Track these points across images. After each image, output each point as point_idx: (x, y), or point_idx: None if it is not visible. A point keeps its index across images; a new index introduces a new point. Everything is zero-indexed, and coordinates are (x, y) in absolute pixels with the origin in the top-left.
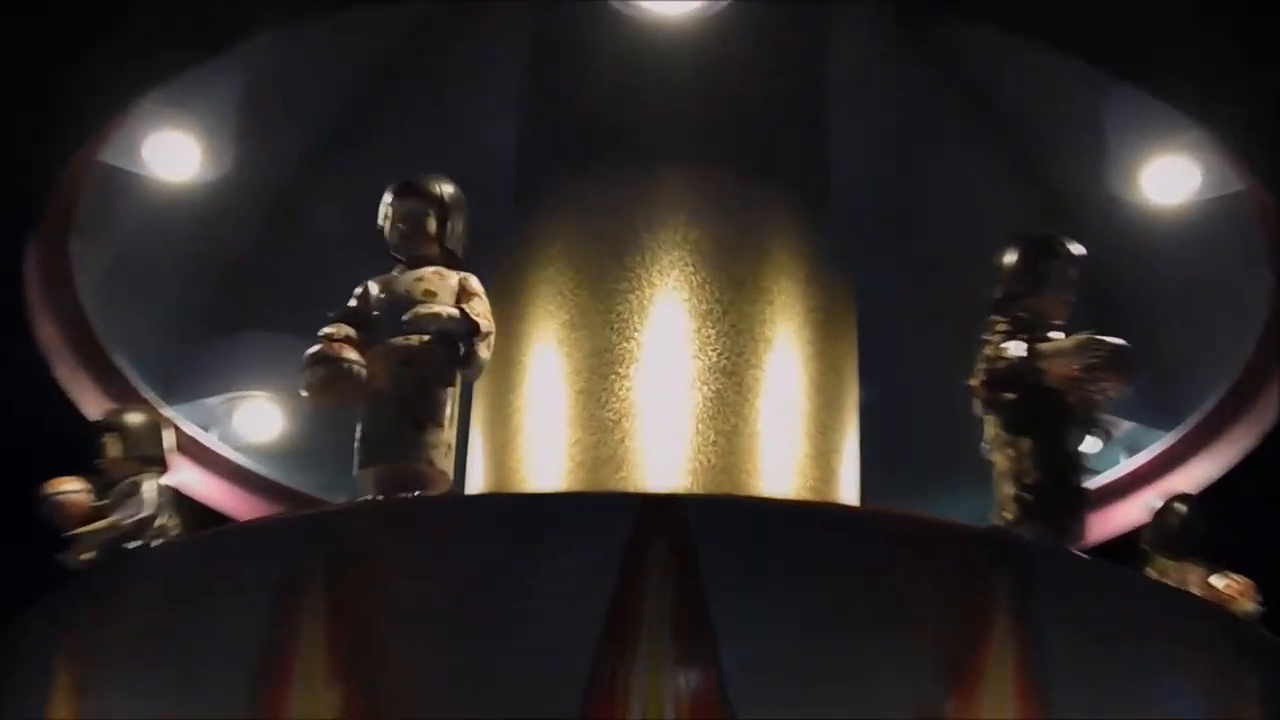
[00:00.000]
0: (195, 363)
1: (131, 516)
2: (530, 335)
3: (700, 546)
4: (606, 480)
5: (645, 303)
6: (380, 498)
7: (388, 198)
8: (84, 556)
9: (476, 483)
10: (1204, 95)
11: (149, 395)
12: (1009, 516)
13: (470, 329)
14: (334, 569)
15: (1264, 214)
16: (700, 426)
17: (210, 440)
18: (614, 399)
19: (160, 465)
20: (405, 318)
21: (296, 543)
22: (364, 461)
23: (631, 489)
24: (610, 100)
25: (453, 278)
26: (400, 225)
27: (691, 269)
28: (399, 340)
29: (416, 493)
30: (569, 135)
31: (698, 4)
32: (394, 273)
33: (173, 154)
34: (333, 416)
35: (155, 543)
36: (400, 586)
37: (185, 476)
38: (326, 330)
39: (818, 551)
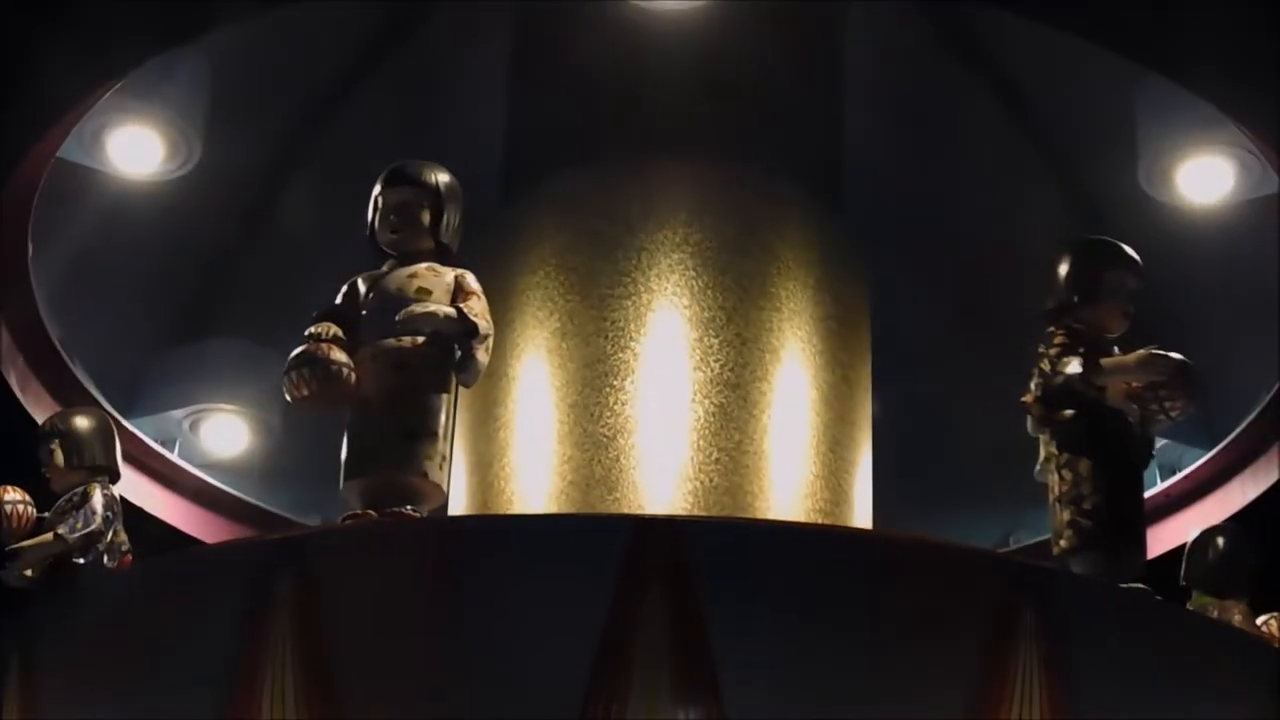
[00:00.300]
0: (157, 372)
1: (80, 530)
2: (518, 344)
3: (700, 573)
4: (599, 501)
5: (642, 310)
6: (366, 512)
7: (377, 187)
8: (26, 572)
9: (459, 503)
10: (1242, 92)
11: (107, 406)
12: (1066, 544)
13: (468, 330)
14: (304, 595)
15: None
16: (701, 444)
17: (173, 456)
18: (608, 414)
19: (110, 474)
20: (399, 318)
21: (265, 567)
22: (352, 473)
23: (626, 511)
24: (605, 93)
25: (448, 274)
26: (392, 217)
27: (692, 273)
28: (390, 342)
29: (409, 508)
30: (560, 130)
31: None
32: (383, 269)
33: (135, 149)
34: (304, 432)
35: (105, 559)
36: (373, 616)
37: (146, 495)
38: (313, 330)
39: (827, 579)
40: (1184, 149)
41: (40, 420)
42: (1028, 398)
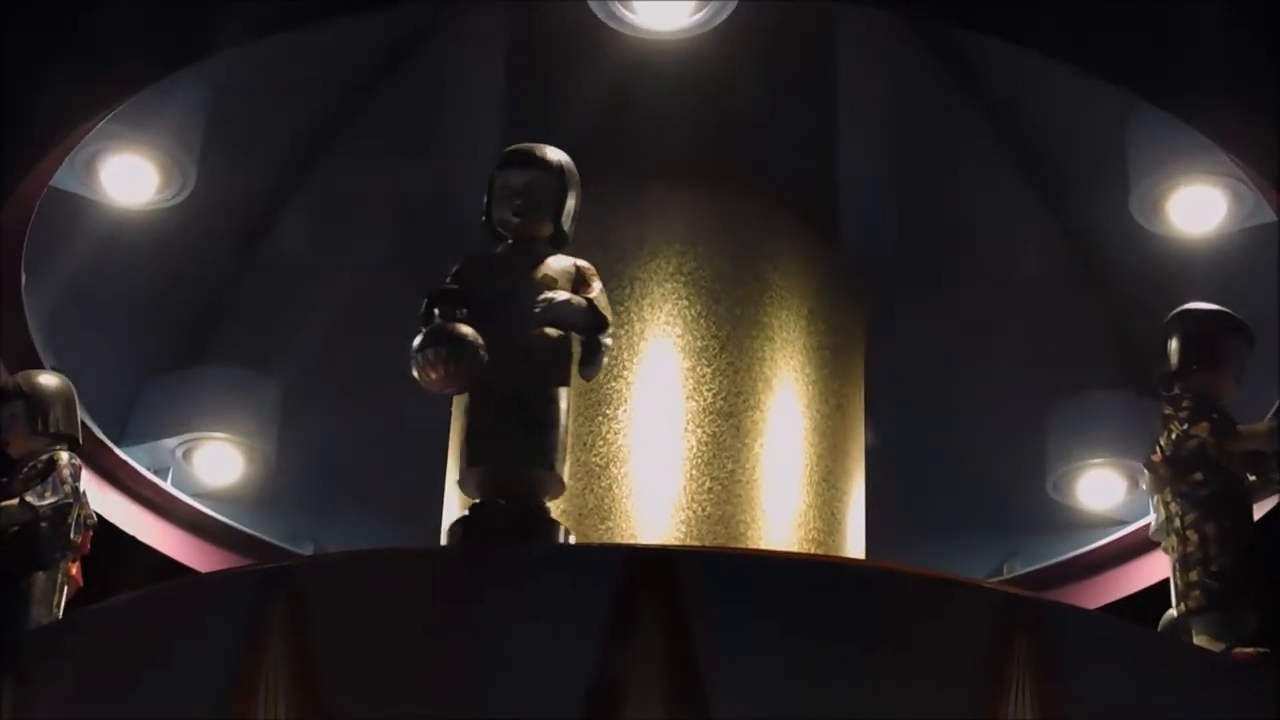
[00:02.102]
0: (151, 400)
1: (49, 500)
2: None
3: (693, 604)
4: (592, 531)
5: (634, 339)
6: (493, 501)
7: (499, 168)
8: None
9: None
10: (1234, 121)
11: (100, 434)
12: (1194, 604)
13: (597, 322)
14: (296, 624)
15: None
16: (694, 473)
17: (166, 485)
18: (600, 443)
19: (72, 442)
20: (539, 306)
21: (258, 596)
22: (474, 459)
23: (619, 541)
24: (597, 122)
25: (568, 262)
26: (516, 200)
27: (685, 302)
28: (516, 329)
29: (539, 501)
30: None
31: (691, 21)
32: (499, 251)
33: (129, 178)
34: (298, 460)
35: (72, 532)
36: (366, 646)
37: (139, 523)
38: (441, 308)
39: (821, 609)
40: (1176, 178)
41: None
42: (1155, 459)
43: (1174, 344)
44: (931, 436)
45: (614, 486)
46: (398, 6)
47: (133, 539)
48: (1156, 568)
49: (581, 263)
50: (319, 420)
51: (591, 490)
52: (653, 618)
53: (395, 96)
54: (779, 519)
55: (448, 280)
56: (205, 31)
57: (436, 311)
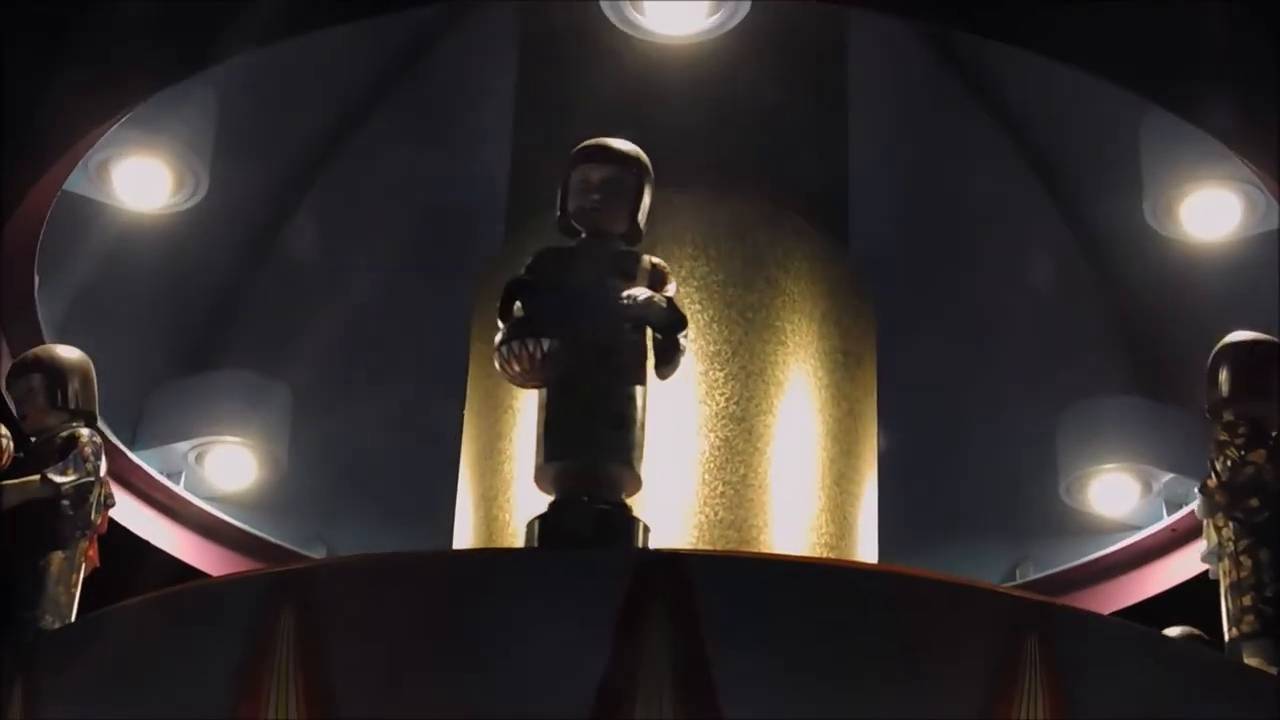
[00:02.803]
0: (163, 404)
1: (72, 479)
2: None
3: (704, 609)
4: None
5: None
6: (577, 499)
7: (577, 160)
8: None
9: (464, 537)
10: (1247, 126)
11: (112, 437)
12: (1247, 628)
13: (675, 321)
14: (307, 629)
15: None
16: (706, 477)
17: (178, 488)
18: None
19: (90, 419)
20: (623, 304)
21: (269, 600)
22: (555, 454)
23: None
24: (609, 125)
25: (644, 259)
26: (595, 194)
27: (697, 306)
28: (597, 326)
29: (619, 498)
30: (564, 160)
31: (704, 26)
32: (573, 245)
33: (141, 182)
34: (310, 464)
35: (93, 513)
36: (377, 649)
37: (151, 527)
38: (530, 300)
39: (832, 614)
40: (1188, 183)
41: None
42: (1211, 484)
43: (1224, 373)
44: (944, 441)
45: None
46: (410, 11)
47: (145, 542)
48: (1169, 573)
49: (657, 260)
50: (331, 423)
51: None
52: (663, 621)
53: (408, 100)
54: (791, 523)
55: (524, 272)
56: (219, 36)
57: (519, 303)
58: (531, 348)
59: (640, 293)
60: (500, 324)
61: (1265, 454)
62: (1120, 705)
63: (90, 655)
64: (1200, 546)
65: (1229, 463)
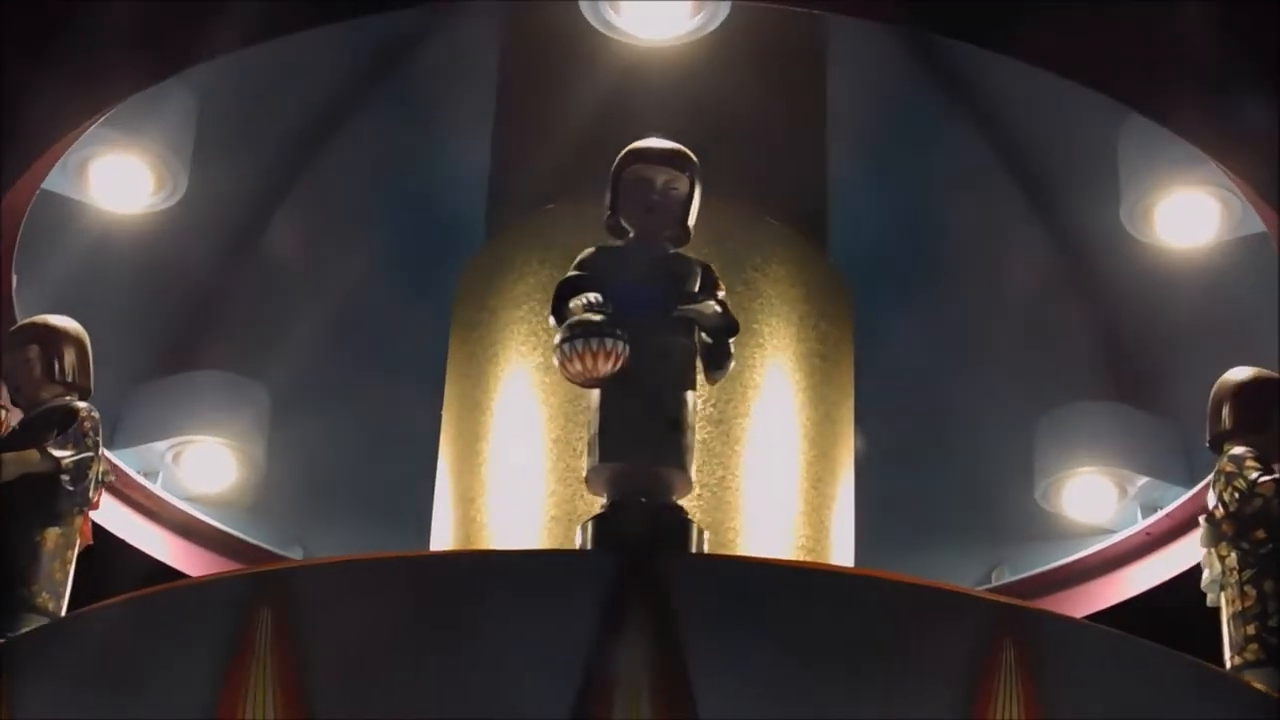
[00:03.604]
0: (141, 403)
1: (72, 454)
2: (500, 378)
3: (682, 610)
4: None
5: None
6: (631, 500)
7: (634, 162)
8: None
9: (442, 539)
10: (1224, 130)
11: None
12: (1251, 657)
13: (728, 326)
14: (285, 629)
15: None
16: None
17: (156, 488)
18: None
19: (84, 393)
20: (681, 307)
21: (247, 601)
22: (610, 455)
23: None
24: (589, 129)
25: (693, 262)
26: (653, 196)
27: None
28: (651, 326)
29: (673, 500)
30: (545, 164)
31: (684, 29)
32: (623, 247)
33: (120, 181)
34: (288, 464)
35: (90, 491)
36: (355, 651)
37: (129, 526)
38: (589, 298)
39: (809, 617)
40: (1166, 188)
41: None
42: (1218, 514)
43: (1227, 407)
44: (920, 444)
45: None
46: (390, 13)
47: (122, 542)
48: (1144, 577)
49: (705, 263)
50: (309, 424)
51: (582, 496)
52: (642, 621)
53: (388, 102)
54: (768, 526)
55: (575, 271)
56: (198, 37)
57: (577, 302)
58: (595, 347)
59: (697, 296)
60: (554, 322)
61: (1273, 486)
62: (1096, 708)
63: (68, 656)
64: (1174, 550)
65: (1236, 494)
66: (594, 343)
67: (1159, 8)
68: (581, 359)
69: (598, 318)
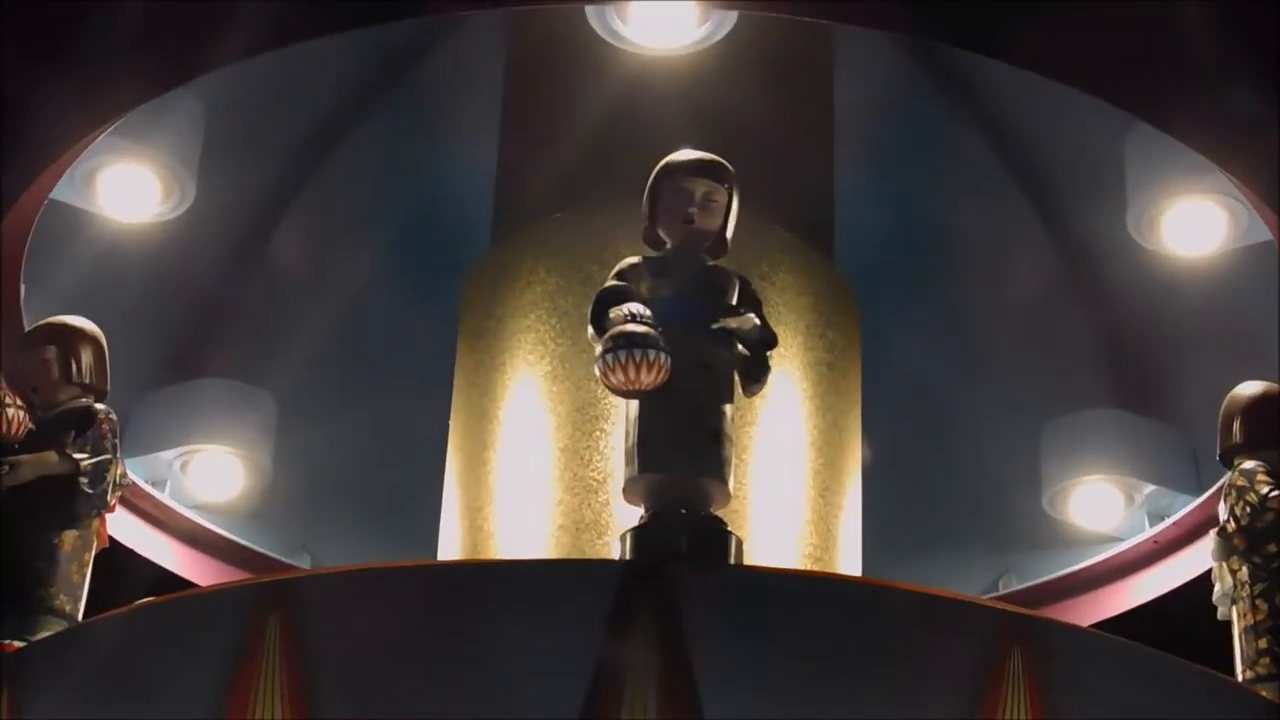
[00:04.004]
0: (148, 412)
1: (91, 456)
2: (508, 387)
3: (689, 620)
4: (589, 546)
5: None
6: (674, 512)
7: (668, 173)
8: (13, 483)
9: (449, 548)
10: (1230, 139)
11: None
12: (1263, 670)
13: (767, 339)
14: (293, 639)
15: None
16: None
17: (163, 497)
18: (599, 458)
19: (100, 395)
20: (727, 322)
21: (255, 610)
22: (650, 466)
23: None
24: (595, 136)
25: (730, 274)
26: (691, 207)
27: None
28: (691, 337)
29: (712, 511)
30: (551, 172)
31: (690, 38)
32: (663, 257)
33: (128, 191)
34: (296, 473)
35: (108, 494)
36: (363, 660)
37: (137, 535)
38: (631, 308)
39: (817, 627)
40: (1172, 196)
41: None
42: (1230, 527)
43: (1238, 421)
44: (928, 452)
45: (611, 501)
46: (397, 22)
47: (130, 551)
48: (1152, 585)
49: (742, 275)
50: (316, 432)
51: (589, 505)
52: (649, 630)
53: (395, 110)
54: (775, 534)
55: (616, 281)
56: (205, 46)
57: (619, 312)
58: (639, 358)
59: (737, 309)
60: (593, 332)
61: None
62: (1102, 716)
63: (77, 665)
64: (1181, 558)
65: (1248, 508)
66: (637, 354)
67: (1161, 13)
68: (624, 369)
69: (641, 329)
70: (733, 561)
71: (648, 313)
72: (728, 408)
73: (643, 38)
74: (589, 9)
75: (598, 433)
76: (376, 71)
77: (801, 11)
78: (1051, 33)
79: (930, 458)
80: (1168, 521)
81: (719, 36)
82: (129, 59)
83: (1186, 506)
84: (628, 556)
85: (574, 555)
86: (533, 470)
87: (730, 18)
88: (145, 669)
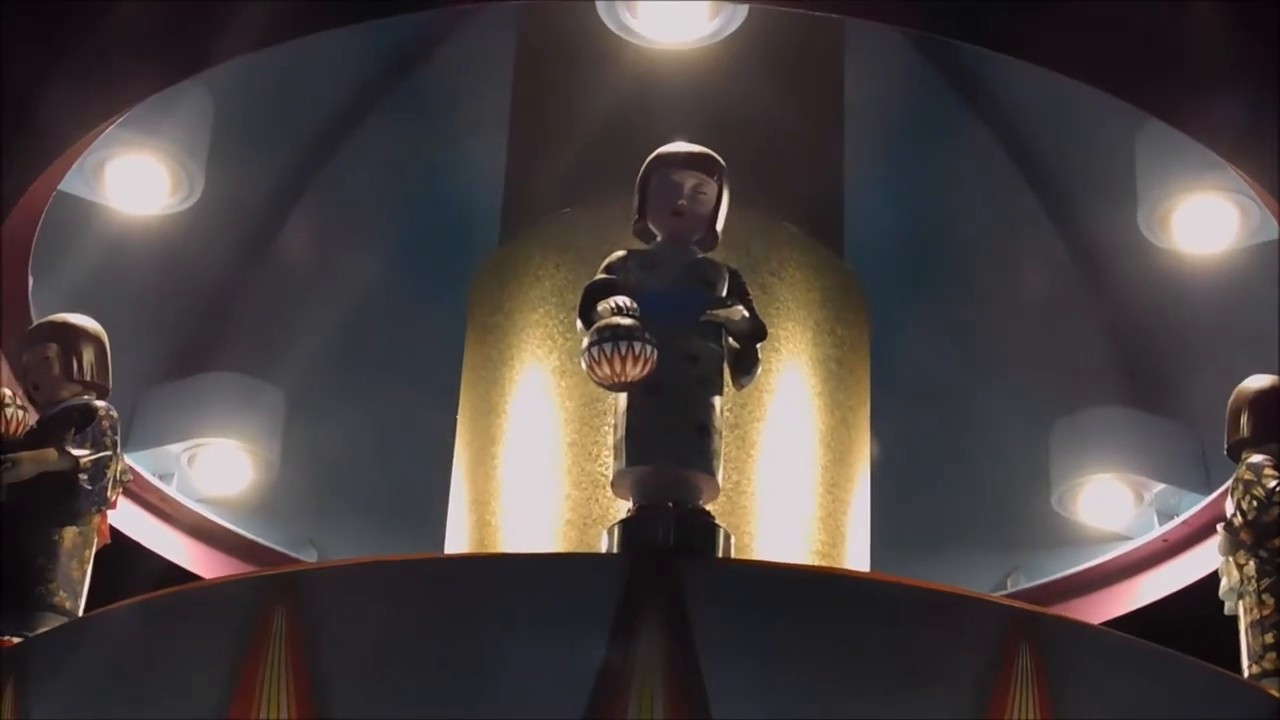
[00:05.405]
0: (155, 406)
1: (90, 453)
2: (516, 382)
3: (696, 615)
4: (596, 540)
5: None
6: (664, 505)
7: (665, 165)
8: (13, 480)
9: (456, 542)
10: (1242, 136)
11: None
12: (1270, 665)
13: (756, 332)
14: (299, 632)
15: None
16: None
17: (170, 490)
18: (606, 453)
19: (102, 393)
20: (711, 312)
21: (261, 603)
22: (635, 459)
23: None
24: (604, 132)
25: (720, 266)
26: (681, 200)
27: None
28: (679, 331)
29: (700, 504)
30: (561, 168)
31: (701, 33)
32: (653, 250)
33: (137, 183)
34: (302, 466)
35: (109, 491)
36: (369, 653)
37: (143, 529)
38: (618, 301)
39: (825, 623)
40: (1183, 193)
41: None
42: (1236, 522)
43: (1245, 415)
44: (937, 450)
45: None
46: (406, 15)
47: (137, 544)
48: (1161, 583)
49: (732, 268)
50: (324, 426)
51: (596, 500)
52: (656, 625)
53: (404, 104)
54: (784, 531)
55: (603, 274)
56: (214, 39)
57: (606, 305)
58: (624, 351)
59: (725, 301)
60: (581, 325)
61: None
62: (1111, 714)
63: (82, 658)
64: (1191, 557)
65: (1255, 502)
66: (623, 346)
67: (1173, 10)
68: (610, 362)
69: (627, 321)
70: (720, 555)
71: (634, 305)
72: (716, 400)
73: (653, 32)
74: (599, 3)
75: (605, 428)
76: (386, 66)
77: (813, 6)
78: (1062, 30)
79: (939, 455)
80: (1177, 520)
81: (730, 31)
82: (139, 51)
83: (1196, 505)
84: (615, 550)
85: (581, 549)
86: (540, 465)
87: (741, 12)
88: (150, 662)
